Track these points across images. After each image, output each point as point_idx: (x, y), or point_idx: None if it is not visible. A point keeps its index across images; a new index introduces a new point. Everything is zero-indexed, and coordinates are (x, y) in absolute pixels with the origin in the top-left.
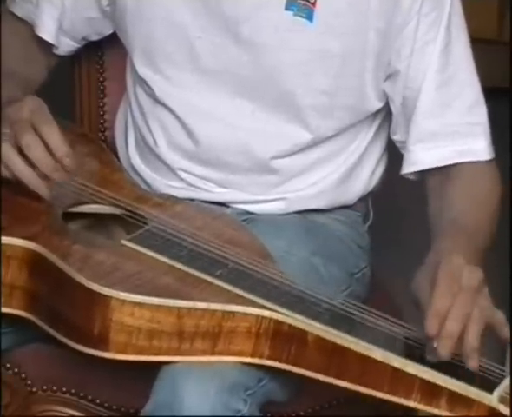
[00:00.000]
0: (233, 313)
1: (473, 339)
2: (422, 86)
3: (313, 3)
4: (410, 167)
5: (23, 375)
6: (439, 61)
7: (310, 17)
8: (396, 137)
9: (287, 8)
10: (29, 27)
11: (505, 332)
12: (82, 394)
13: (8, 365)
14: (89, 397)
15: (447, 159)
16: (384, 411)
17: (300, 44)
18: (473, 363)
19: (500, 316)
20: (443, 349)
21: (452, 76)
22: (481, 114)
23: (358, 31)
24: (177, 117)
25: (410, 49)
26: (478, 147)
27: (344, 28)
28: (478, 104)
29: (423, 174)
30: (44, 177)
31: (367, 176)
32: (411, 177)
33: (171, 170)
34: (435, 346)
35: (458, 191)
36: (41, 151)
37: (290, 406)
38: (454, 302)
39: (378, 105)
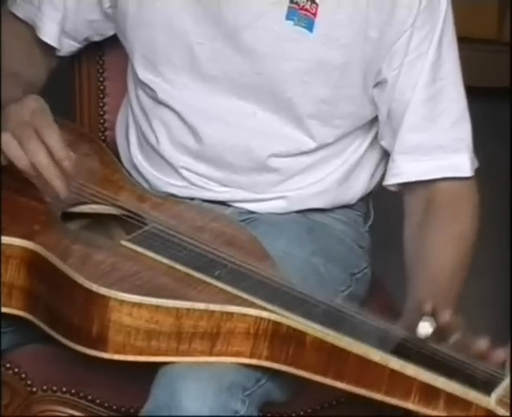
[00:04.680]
0: (231, 314)
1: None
2: (410, 99)
3: (314, 13)
4: (392, 178)
5: (23, 375)
6: (428, 75)
7: (310, 27)
8: (383, 143)
9: (288, 17)
10: (30, 28)
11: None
12: (82, 394)
13: (8, 365)
14: (89, 397)
15: (429, 173)
16: (384, 411)
17: (300, 54)
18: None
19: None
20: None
21: (440, 90)
22: (465, 130)
23: (357, 42)
24: (180, 117)
25: (400, 61)
26: (461, 162)
27: (345, 39)
28: (463, 120)
29: (404, 189)
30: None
31: (368, 177)
32: (392, 189)
33: (173, 169)
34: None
35: (437, 234)
36: (44, 158)
37: (290, 406)
38: None
39: (376, 111)
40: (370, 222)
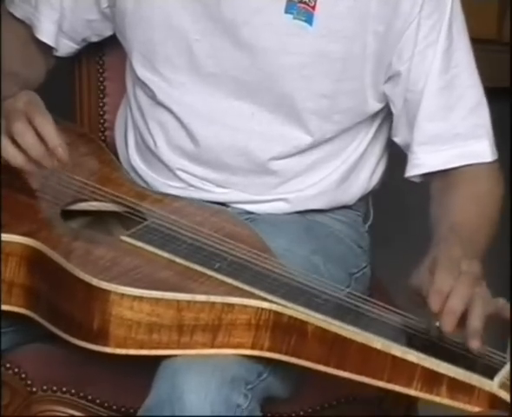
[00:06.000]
0: (232, 305)
1: (475, 319)
2: (424, 89)
3: (313, 7)
4: (413, 169)
5: (23, 375)
6: (441, 63)
7: (309, 21)
8: (397, 139)
9: (287, 11)
10: (27, 28)
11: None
12: (82, 394)
13: (8, 365)
14: (89, 397)
15: (450, 162)
16: (384, 411)
17: (300, 48)
18: (474, 344)
19: (502, 301)
20: (446, 325)
21: (454, 78)
22: (483, 115)
23: (358, 35)
24: (177, 118)
25: (411, 52)
26: (481, 148)
27: (344, 31)
28: (480, 106)
29: (427, 177)
30: (36, 164)
31: (367, 177)
32: (415, 180)
33: (170, 171)
34: (437, 324)
35: (459, 195)
36: (31, 138)
37: (290, 406)
38: (456, 283)
39: (378, 107)
40: (369, 222)
